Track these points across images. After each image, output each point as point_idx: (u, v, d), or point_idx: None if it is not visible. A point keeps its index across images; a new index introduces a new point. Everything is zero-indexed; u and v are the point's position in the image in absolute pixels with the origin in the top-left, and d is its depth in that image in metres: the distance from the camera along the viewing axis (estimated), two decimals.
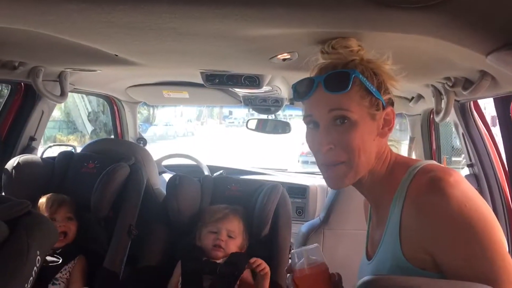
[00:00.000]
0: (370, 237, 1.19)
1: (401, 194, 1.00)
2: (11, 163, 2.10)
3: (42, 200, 2.03)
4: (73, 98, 6.07)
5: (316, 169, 3.74)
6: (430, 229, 0.94)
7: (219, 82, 2.14)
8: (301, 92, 1.09)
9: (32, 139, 2.33)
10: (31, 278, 0.91)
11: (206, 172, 3.18)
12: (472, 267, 0.89)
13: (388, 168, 1.09)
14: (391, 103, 1.09)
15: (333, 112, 1.02)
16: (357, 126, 1.02)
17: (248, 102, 3.03)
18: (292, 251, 1.13)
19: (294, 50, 1.41)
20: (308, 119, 1.08)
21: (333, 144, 1.03)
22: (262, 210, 2.04)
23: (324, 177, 1.10)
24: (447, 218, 0.91)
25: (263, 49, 1.40)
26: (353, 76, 1.02)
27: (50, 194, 2.07)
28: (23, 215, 0.96)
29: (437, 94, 1.90)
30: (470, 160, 2.11)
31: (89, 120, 6.57)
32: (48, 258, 1.89)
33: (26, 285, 0.89)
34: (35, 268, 0.92)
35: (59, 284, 1.88)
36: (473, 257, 0.90)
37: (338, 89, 1.02)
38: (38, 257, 0.93)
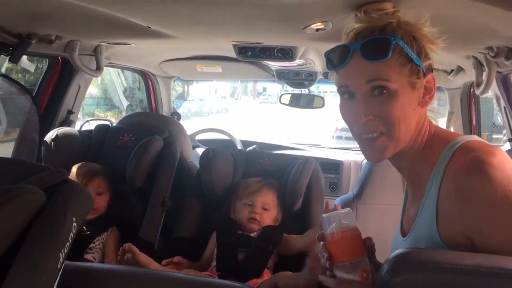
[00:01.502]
0: (406, 213, 1.15)
1: (439, 171, 0.95)
2: (50, 135, 2.16)
3: (73, 170, 2.05)
4: (110, 75, 6.17)
5: (349, 144, 3.75)
6: (471, 214, 0.89)
7: (252, 55, 2.11)
8: (335, 60, 1.02)
9: (70, 112, 2.39)
10: (68, 243, 0.93)
11: (239, 147, 3.19)
12: None
13: (427, 140, 1.03)
14: (431, 69, 1.02)
15: (371, 83, 0.96)
16: (397, 97, 0.96)
17: (281, 76, 2.99)
18: (323, 215, 1.07)
19: (327, 19, 1.37)
20: (342, 89, 1.02)
21: (372, 115, 0.97)
22: (295, 184, 2.04)
23: (361, 150, 1.05)
24: (491, 203, 0.87)
25: (296, 18, 1.36)
26: (393, 42, 0.95)
27: (82, 163, 2.09)
28: (60, 183, 0.98)
29: (478, 65, 1.82)
30: None
31: (125, 96, 6.68)
32: (84, 227, 1.95)
33: (63, 250, 0.92)
34: (71, 234, 0.94)
35: (93, 253, 1.94)
36: None
37: (377, 57, 0.95)
38: (74, 223, 0.95)
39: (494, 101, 2.08)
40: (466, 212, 0.89)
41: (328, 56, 1.05)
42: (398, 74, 0.96)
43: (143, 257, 1.67)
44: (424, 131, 1.03)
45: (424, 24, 1.00)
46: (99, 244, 1.96)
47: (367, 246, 1.06)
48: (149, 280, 1.08)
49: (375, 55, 0.95)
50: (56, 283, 0.90)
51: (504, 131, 2.22)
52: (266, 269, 1.84)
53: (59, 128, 2.23)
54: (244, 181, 2.08)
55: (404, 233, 1.11)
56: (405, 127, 0.98)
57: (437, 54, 1.02)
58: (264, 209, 1.95)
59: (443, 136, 1.03)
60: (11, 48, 1.76)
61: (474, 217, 0.89)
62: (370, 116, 0.98)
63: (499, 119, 2.30)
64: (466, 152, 0.93)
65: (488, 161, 0.88)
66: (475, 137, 1.00)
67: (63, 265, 0.92)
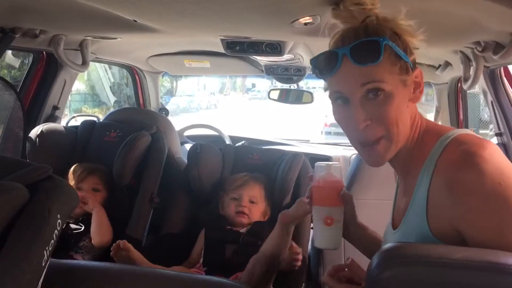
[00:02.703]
0: (396, 206, 1.15)
1: (430, 164, 0.95)
2: (34, 131, 2.13)
3: (74, 168, 2.06)
4: (97, 71, 6.10)
5: (338, 140, 3.74)
6: (461, 207, 0.89)
7: (240, 49, 2.09)
8: (324, 68, 1.00)
9: (55, 108, 2.36)
10: (52, 241, 0.91)
11: (228, 142, 3.18)
12: (505, 245, 0.84)
13: (419, 135, 1.03)
14: (415, 63, 1.02)
15: (366, 85, 0.95)
16: (393, 97, 0.95)
17: (270, 71, 2.98)
18: (317, 163, 1.22)
19: (316, 14, 1.36)
20: (336, 95, 1.00)
21: (370, 120, 0.96)
22: (283, 179, 2.03)
23: (361, 155, 1.04)
24: (481, 196, 0.87)
25: (283, 11, 1.35)
26: (383, 43, 0.94)
27: (84, 163, 2.10)
28: (43, 180, 0.96)
29: (466, 60, 1.82)
30: (499, 129, 2.04)
31: (112, 92, 6.62)
32: (72, 226, 1.93)
33: (47, 248, 0.89)
34: (55, 231, 0.92)
35: (82, 253, 1.92)
36: (507, 236, 0.86)
37: (369, 61, 0.93)
38: (59, 220, 0.93)
39: (481, 97, 2.09)
40: (456, 204, 0.89)
41: (315, 64, 1.02)
42: (391, 74, 0.96)
43: (137, 255, 1.66)
44: (416, 127, 1.03)
45: (402, 18, 0.98)
46: (88, 242, 1.93)
47: (345, 198, 1.19)
48: (136, 278, 1.07)
49: (367, 58, 0.94)
50: (40, 281, 0.89)
51: (491, 126, 2.24)
52: None
53: (44, 124, 2.20)
54: (231, 177, 2.08)
55: (394, 226, 1.11)
56: (403, 125, 0.98)
57: (417, 48, 1.01)
58: (251, 202, 1.95)
59: (435, 130, 1.02)
60: None
61: (463, 210, 0.89)
62: (368, 121, 0.97)
63: (486, 114, 2.32)
64: (457, 146, 0.93)
65: (479, 153, 0.88)
66: (467, 131, 1.00)
67: (47, 263, 0.90)
